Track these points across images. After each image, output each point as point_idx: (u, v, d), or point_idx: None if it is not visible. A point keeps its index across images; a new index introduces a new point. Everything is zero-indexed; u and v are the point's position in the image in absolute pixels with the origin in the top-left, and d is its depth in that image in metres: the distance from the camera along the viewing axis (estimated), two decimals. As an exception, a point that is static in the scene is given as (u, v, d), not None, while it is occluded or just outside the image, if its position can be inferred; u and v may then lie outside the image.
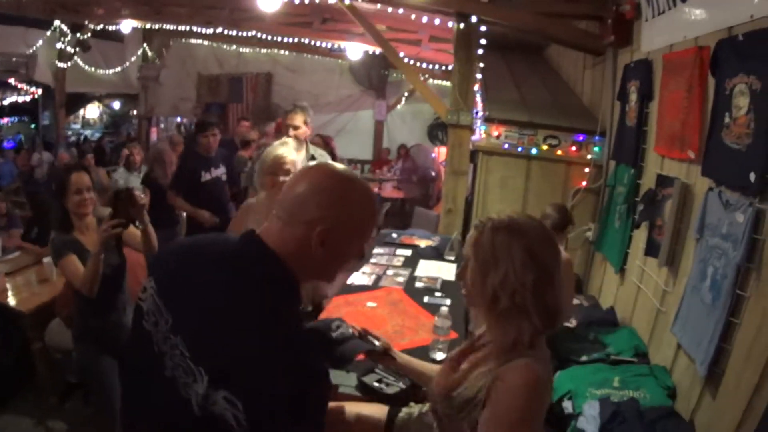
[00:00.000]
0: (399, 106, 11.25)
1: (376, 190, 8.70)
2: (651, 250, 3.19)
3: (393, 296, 3.19)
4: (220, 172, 4.76)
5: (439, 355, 2.37)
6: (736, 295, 2.23)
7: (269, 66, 10.69)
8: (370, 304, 3.03)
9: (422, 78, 7.47)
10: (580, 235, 4.58)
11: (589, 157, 4.63)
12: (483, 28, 4.61)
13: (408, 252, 4.16)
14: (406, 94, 11.04)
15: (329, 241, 1.16)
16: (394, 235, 4.65)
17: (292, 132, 3.93)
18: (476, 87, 5.06)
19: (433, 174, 8.36)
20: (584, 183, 4.65)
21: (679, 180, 2.86)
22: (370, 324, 2.68)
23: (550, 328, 1.40)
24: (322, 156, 4.11)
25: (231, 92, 10.73)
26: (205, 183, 4.63)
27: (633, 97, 3.63)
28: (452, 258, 4.05)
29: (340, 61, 10.28)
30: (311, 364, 1.09)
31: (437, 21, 4.93)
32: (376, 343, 1.83)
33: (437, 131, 11.13)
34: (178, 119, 11.31)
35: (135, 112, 11.85)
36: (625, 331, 3.35)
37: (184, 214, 4.90)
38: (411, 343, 2.56)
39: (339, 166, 1.26)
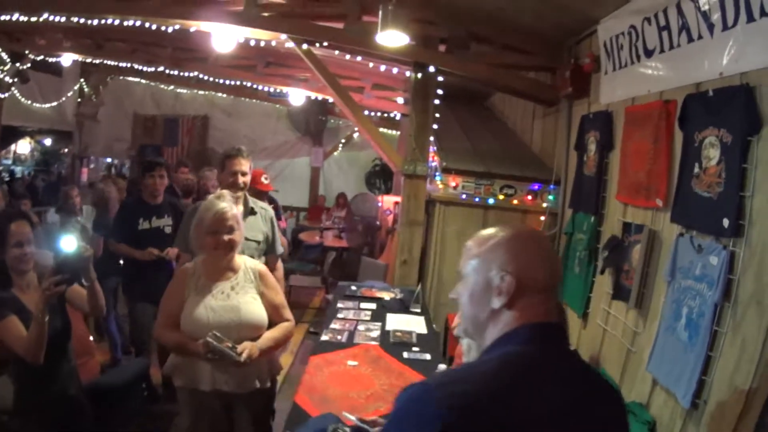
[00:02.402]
0: (335, 153, 11.50)
1: (317, 239, 8.77)
2: (620, 294, 3.45)
3: (371, 353, 3.27)
4: (164, 222, 4.48)
5: None
6: (713, 331, 2.48)
7: (206, 108, 10.81)
8: (350, 362, 3.09)
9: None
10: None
11: (544, 205, 4.95)
12: (440, 79, 4.90)
13: (372, 305, 4.27)
14: (342, 140, 11.32)
15: None
16: (354, 288, 4.74)
17: (240, 179, 3.53)
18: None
19: (378, 223, 8.54)
20: (540, 231, 4.95)
21: (646, 227, 3.14)
22: (358, 384, 2.81)
23: None
24: (264, 209, 3.77)
25: (167, 134, 10.69)
26: (142, 232, 4.36)
27: (592, 147, 3.97)
28: (418, 310, 4.20)
29: (277, 106, 10.49)
30: None
31: (395, 70, 5.18)
32: (374, 430, 1.83)
33: (375, 179, 11.42)
34: (108, 160, 11.10)
35: (67, 150, 11.53)
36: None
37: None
38: (404, 402, 2.64)
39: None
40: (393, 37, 3.65)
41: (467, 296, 1.27)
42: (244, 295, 2.70)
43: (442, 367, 2.57)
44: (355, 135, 11.09)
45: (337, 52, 4.95)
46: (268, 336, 2.71)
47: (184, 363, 2.63)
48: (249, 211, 3.61)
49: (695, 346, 2.58)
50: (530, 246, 1.24)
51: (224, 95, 10.47)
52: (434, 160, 5.29)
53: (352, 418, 1.85)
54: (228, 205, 2.68)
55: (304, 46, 4.85)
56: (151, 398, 3.86)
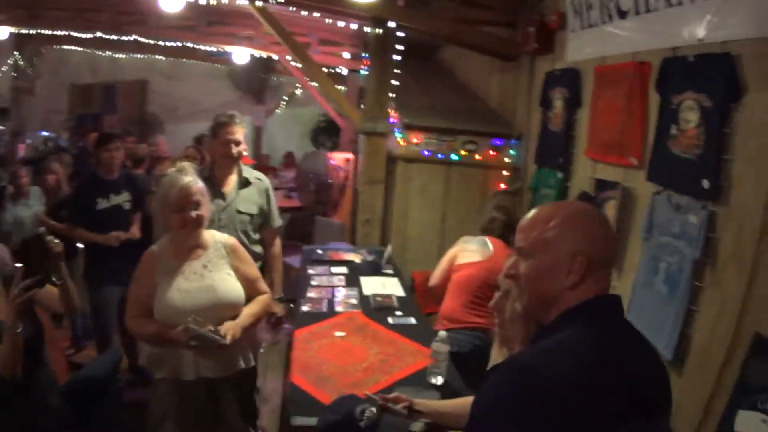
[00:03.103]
0: (278, 111, 11.30)
1: (267, 200, 8.65)
2: (593, 249, 3.58)
3: (356, 321, 3.25)
4: (123, 198, 4.25)
5: (439, 380, 2.54)
6: (693, 286, 2.63)
7: (144, 73, 10.43)
8: (338, 333, 3.06)
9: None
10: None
11: (507, 160, 5.03)
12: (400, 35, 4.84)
13: (343, 269, 4.25)
14: (285, 98, 11.11)
15: None
16: (320, 252, 4.70)
17: (234, 149, 3.29)
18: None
19: (330, 181, 8.49)
20: (502, 186, 5.05)
21: (620, 184, 3.26)
22: (351, 357, 2.80)
23: None
24: (260, 179, 3.55)
25: (104, 102, 10.24)
26: (101, 212, 4.13)
27: (558, 103, 4.04)
28: (391, 272, 4.23)
29: (218, 65, 10.18)
30: None
31: (353, 26, 5.08)
32: (399, 407, 1.91)
33: (320, 136, 11.31)
34: (44, 133, 10.59)
35: (3, 127, 10.93)
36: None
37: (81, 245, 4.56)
38: (402, 371, 2.66)
39: None
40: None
41: (534, 275, 1.29)
42: (218, 272, 2.60)
43: (443, 334, 2.61)
44: (298, 91, 10.88)
45: (292, 8, 4.80)
46: (248, 312, 2.64)
47: (164, 353, 2.53)
48: (243, 183, 3.42)
49: (675, 299, 2.70)
50: (596, 223, 1.29)
51: (163, 58, 10.05)
52: (392, 117, 5.26)
53: (375, 397, 1.90)
54: (192, 178, 2.55)
55: (258, 3, 4.66)
56: (124, 387, 3.77)
